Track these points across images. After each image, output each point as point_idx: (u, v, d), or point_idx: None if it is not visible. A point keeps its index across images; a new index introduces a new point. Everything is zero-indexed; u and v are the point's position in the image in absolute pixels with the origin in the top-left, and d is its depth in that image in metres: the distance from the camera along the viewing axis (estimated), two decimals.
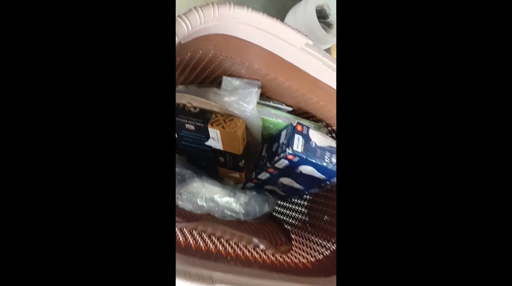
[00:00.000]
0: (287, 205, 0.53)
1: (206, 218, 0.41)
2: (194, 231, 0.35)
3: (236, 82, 0.38)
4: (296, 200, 0.52)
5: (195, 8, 0.24)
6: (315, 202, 0.48)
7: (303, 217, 0.49)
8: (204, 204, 0.41)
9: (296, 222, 0.49)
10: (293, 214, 0.51)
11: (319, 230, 0.43)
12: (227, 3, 0.26)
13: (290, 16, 0.53)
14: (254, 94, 0.37)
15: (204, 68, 0.40)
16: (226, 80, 0.38)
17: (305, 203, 0.50)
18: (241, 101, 0.37)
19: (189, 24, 0.24)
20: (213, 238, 0.35)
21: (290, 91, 0.39)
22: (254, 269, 0.32)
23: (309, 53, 0.31)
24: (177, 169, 0.44)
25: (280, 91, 0.40)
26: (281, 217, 0.52)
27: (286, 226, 0.49)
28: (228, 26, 0.29)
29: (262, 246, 0.37)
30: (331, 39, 0.47)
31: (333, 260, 0.37)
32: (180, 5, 0.38)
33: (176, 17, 0.24)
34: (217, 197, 0.42)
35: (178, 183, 0.42)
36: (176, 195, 0.41)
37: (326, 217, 0.45)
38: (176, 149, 0.46)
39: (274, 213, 0.53)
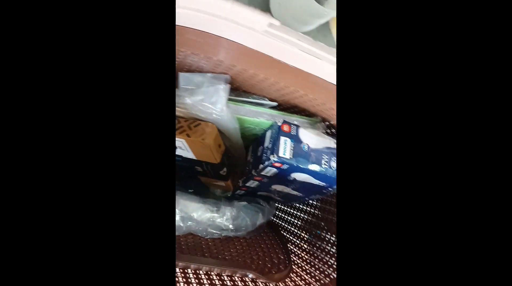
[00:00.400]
0: (289, 210, 0.45)
1: (185, 240, 0.35)
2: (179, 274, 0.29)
3: (197, 78, 0.29)
4: (298, 206, 0.44)
5: None
6: (322, 209, 0.40)
7: (308, 227, 0.42)
8: (181, 224, 0.35)
9: (298, 233, 0.42)
10: (295, 221, 0.44)
11: (321, 250, 0.35)
12: None
13: None
14: (221, 91, 0.28)
15: None
16: (183, 77, 0.29)
17: (310, 210, 0.42)
18: (206, 101, 0.28)
19: None
20: (201, 275, 0.29)
21: (268, 84, 0.29)
22: None
23: (276, 37, 0.21)
24: None
25: (256, 83, 0.30)
26: (281, 223, 0.45)
27: (285, 233, 0.42)
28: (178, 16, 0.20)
29: (251, 275, 0.31)
30: (328, 12, 0.36)
31: None
32: None
33: None
34: (196, 215, 0.35)
35: None
36: None
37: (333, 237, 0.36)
38: None
39: (273, 218, 0.46)
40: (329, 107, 0.30)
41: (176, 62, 0.28)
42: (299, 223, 0.42)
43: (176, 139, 0.31)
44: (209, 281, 0.29)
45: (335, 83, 0.25)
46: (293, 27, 0.45)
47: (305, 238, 0.40)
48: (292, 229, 0.43)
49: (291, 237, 0.42)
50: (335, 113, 0.31)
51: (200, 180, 0.41)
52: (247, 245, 0.37)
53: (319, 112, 0.32)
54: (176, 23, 0.22)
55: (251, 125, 0.33)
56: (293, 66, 0.23)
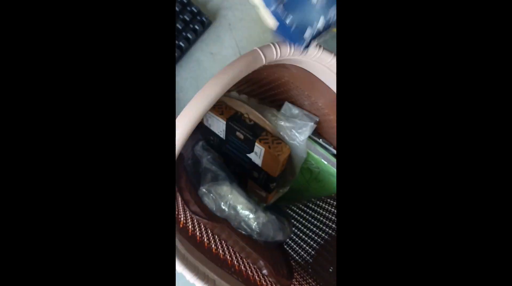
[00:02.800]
0: (298, 241, 0.52)
1: (223, 222, 0.42)
2: (210, 231, 0.37)
3: (295, 110, 0.40)
4: (308, 240, 0.51)
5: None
6: (325, 249, 0.47)
7: (309, 258, 0.48)
8: (226, 210, 0.43)
9: (301, 261, 0.48)
10: (301, 252, 0.50)
11: (320, 278, 0.42)
12: (317, 45, 0.28)
13: None
14: (309, 127, 0.38)
15: (271, 89, 0.43)
16: (287, 105, 0.40)
17: (316, 246, 0.49)
18: (295, 130, 0.39)
19: (279, 52, 0.27)
20: (224, 244, 0.36)
21: None
22: None
23: None
24: (214, 168, 0.46)
25: (333, 133, 0.41)
26: (289, 251, 0.52)
27: (292, 262, 0.49)
28: (302, 61, 0.31)
29: (265, 271, 0.38)
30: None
31: None
32: None
33: (270, 43, 0.27)
34: (239, 208, 0.43)
35: (211, 180, 0.45)
36: (205, 191, 0.44)
37: (331, 268, 0.44)
38: (219, 150, 0.49)
39: (284, 245, 0.53)
40: None
41: (289, 94, 0.39)
42: (303, 253, 0.49)
43: (258, 145, 0.41)
44: (230, 255, 0.35)
45: None
46: None
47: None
48: (296, 257, 0.49)
49: (294, 264, 0.48)
50: None
51: (246, 184, 0.49)
52: (263, 250, 0.44)
53: None
54: (312, 72, 0.33)
55: (312, 160, 0.42)
56: None
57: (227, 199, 0.43)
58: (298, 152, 0.40)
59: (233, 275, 0.32)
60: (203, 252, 0.31)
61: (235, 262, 0.35)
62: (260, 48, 0.26)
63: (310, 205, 0.52)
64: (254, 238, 0.45)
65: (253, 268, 0.37)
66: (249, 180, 0.48)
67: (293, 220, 0.53)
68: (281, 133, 0.40)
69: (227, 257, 0.34)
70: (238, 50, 0.61)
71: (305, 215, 0.52)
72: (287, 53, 0.27)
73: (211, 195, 0.44)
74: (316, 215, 0.51)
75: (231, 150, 0.46)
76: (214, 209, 0.43)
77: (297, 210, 0.54)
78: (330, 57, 0.29)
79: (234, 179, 0.46)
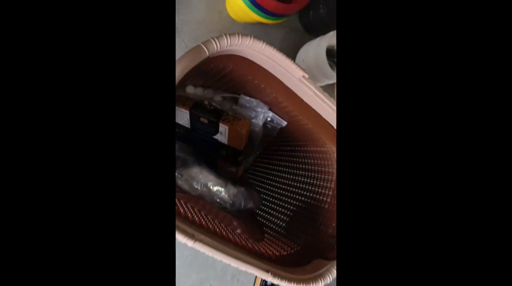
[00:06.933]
0: (270, 211, 0.59)
1: (197, 199, 0.47)
2: (184, 203, 0.41)
3: (250, 101, 0.47)
4: (279, 209, 0.58)
5: (225, 34, 0.34)
6: (295, 218, 0.54)
7: (280, 229, 0.55)
8: (199, 188, 0.48)
9: (274, 226, 0.55)
10: (274, 220, 0.57)
11: (290, 232, 0.49)
12: (248, 35, 0.35)
13: (304, 48, 0.63)
14: (266, 111, 0.46)
15: (222, 78, 0.49)
16: (242, 99, 0.47)
17: (287, 216, 0.56)
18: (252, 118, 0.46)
19: (218, 45, 0.33)
20: (199, 213, 0.41)
21: (287, 110, 0.48)
22: (230, 245, 0.37)
23: (305, 85, 0.40)
24: (182, 154, 0.51)
25: (279, 109, 0.48)
26: (262, 220, 0.58)
27: (264, 228, 0.55)
28: (240, 50, 0.38)
29: (239, 230, 0.43)
30: (335, 77, 0.57)
31: (302, 254, 0.42)
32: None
33: (210, 38, 0.33)
34: (210, 184, 0.49)
35: (181, 165, 0.50)
36: (178, 175, 0.48)
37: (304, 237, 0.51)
38: (187, 139, 0.53)
39: (257, 217, 0.59)
40: (314, 131, 0.48)
41: (245, 87, 0.46)
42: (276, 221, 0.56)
43: (221, 125, 0.47)
44: (205, 221, 0.40)
45: (334, 125, 0.42)
46: None
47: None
48: (270, 224, 0.56)
49: (266, 228, 0.54)
50: (325, 142, 0.48)
51: (216, 166, 0.55)
52: (237, 216, 0.50)
53: (314, 139, 0.49)
54: (250, 58, 0.40)
55: None
56: (310, 105, 0.41)
57: (199, 179, 0.48)
58: (256, 125, 0.47)
59: (209, 234, 0.37)
60: (180, 221, 0.35)
61: (210, 225, 0.40)
62: (203, 43, 0.33)
63: (278, 175, 0.59)
64: (228, 209, 0.50)
65: (228, 229, 0.42)
66: (219, 160, 0.54)
67: (263, 195, 0.60)
68: (240, 112, 0.46)
69: (202, 222, 0.39)
70: (188, 49, 0.66)
71: (274, 188, 0.59)
72: (226, 45, 0.34)
73: (183, 177, 0.48)
74: (284, 186, 0.58)
75: (198, 136, 0.51)
76: (188, 189, 0.48)
77: (266, 183, 0.60)
78: (260, 44, 0.36)
79: (202, 162, 0.51)
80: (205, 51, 0.32)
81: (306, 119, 0.46)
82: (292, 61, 0.38)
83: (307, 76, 0.39)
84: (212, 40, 0.33)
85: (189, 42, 0.65)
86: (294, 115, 0.47)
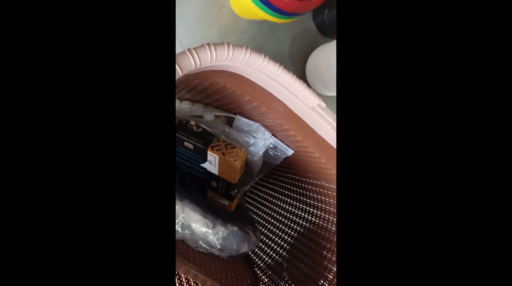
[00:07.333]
0: (265, 248, 0.49)
1: (177, 244, 0.37)
2: None
3: (251, 125, 0.36)
4: (277, 241, 0.48)
5: (208, 45, 0.22)
6: (296, 247, 0.45)
7: (281, 259, 0.45)
8: (179, 230, 0.38)
9: (273, 263, 0.45)
10: (272, 254, 0.47)
11: (294, 277, 0.39)
12: (243, 47, 0.24)
13: (316, 52, 0.54)
14: (268, 137, 0.35)
15: (212, 94, 0.38)
16: (238, 120, 0.37)
17: (287, 246, 0.47)
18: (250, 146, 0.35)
19: (197, 61, 0.22)
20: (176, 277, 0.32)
21: (294, 138, 0.38)
22: None
23: (320, 115, 0.30)
24: None
25: (287, 137, 0.38)
26: (256, 259, 0.48)
27: (257, 270, 0.45)
28: (242, 70, 0.28)
29: None
30: None
31: None
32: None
33: (185, 50, 0.22)
34: (194, 226, 0.39)
35: None
36: None
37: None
38: None
39: (250, 254, 0.49)
40: (328, 167, 0.38)
41: (239, 104, 0.35)
42: (270, 262, 0.46)
43: (211, 154, 0.37)
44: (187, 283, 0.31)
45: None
46: (319, 89, 0.56)
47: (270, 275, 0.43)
48: (264, 264, 0.46)
49: (260, 273, 0.45)
50: (330, 174, 0.38)
51: (206, 195, 0.45)
52: (224, 266, 0.40)
53: (327, 175, 0.40)
54: (246, 77, 0.29)
55: None
56: (325, 139, 0.31)
57: (179, 219, 0.38)
58: (255, 154, 0.37)
59: None
60: None
61: None
62: (192, 49, 0.22)
63: (276, 202, 0.50)
64: (217, 255, 0.41)
65: None
66: (208, 190, 0.44)
67: (258, 225, 0.50)
68: (233, 137, 0.36)
69: None
70: (182, 48, 0.55)
71: (270, 216, 0.49)
72: (209, 60, 0.23)
73: None
74: (283, 212, 0.48)
75: (182, 162, 0.41)
76: None
77: (262, 211, 0.51)
78: (261, 60, 0.26)
79: (186, 195, 0.41)
80: (177, 71, 0.21)
81: (318, 152, 0.36)
82: (305, 85, 0.28)
83: (324, 105, 0.29)
84: (188, 54, 0.22)
85: (184, 39, 0.54)
86: (304, 146, 0.37)
